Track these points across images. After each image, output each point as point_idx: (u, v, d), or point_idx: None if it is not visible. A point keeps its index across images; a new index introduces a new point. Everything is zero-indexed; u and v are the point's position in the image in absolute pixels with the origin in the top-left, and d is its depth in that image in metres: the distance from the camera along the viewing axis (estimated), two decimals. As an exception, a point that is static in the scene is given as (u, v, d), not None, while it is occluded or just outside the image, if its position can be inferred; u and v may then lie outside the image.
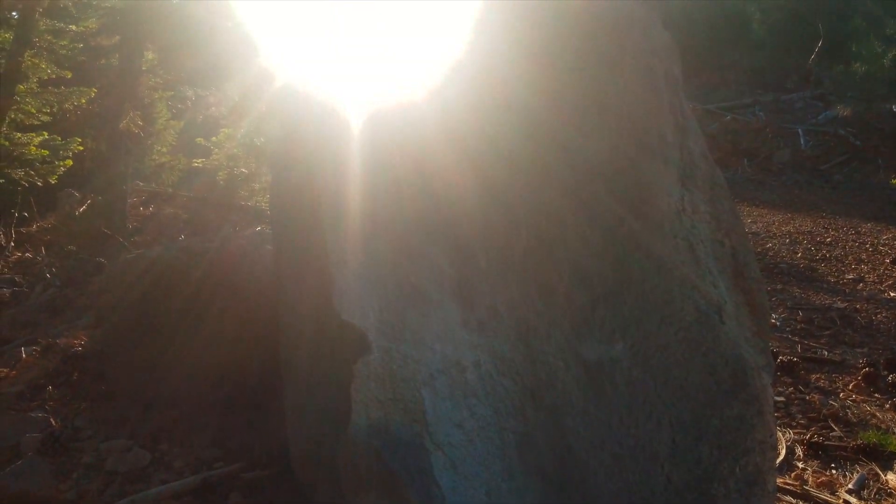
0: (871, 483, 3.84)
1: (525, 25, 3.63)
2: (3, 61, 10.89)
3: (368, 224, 3.04)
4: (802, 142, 18.48)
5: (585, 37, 3.90)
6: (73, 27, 10.14)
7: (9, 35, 10.50)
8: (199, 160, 12.25)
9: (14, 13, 10.99)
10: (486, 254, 3.12)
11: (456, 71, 2.92)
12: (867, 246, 9.19)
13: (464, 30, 3.00)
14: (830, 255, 8.79)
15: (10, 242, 8.86)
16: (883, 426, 4.52)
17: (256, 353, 3.94)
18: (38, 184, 10.06)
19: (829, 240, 9.69)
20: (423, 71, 2.86)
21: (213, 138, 12.27)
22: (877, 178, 14.94)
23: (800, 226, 10.71)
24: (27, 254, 8.54)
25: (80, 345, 5.00)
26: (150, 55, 10.65)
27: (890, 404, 4.88)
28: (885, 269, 8.02)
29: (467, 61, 2.98)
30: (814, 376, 5.32)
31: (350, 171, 2.99)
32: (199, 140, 12.47)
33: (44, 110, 11.08)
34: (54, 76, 11.00)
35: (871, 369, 5.36)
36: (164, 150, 15.87)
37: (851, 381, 5.23)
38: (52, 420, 4.07)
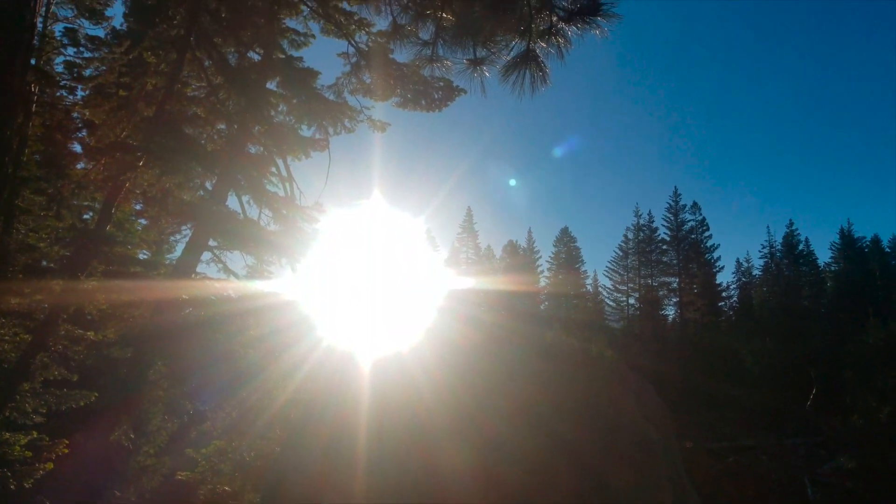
0: None
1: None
2: (13, 356, 11.10)
3: None
4: (810, 492, 17.78)
5: (580, 391, 3.97)
6: (91, 335, 10.57)
7: (28, 337, 10.86)
8: (184, 473, 11.81)
9: (42, 315, 11.52)
10: None
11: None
12: None
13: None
14: None
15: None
16: None
17: None
18: (12, 486, 9.56)
19: None
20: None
21: (203, 450, 11.98)
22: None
23: None
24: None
25: None
26: (159, 366, 10.93)
27: None
28: None
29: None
30: None
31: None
32: (189, 451, 12.18)
33: (40, 410, 10.99)
34: (60, 378, 11.13)
35: None
36: (152, 451, 15.41)
37: None
38: None
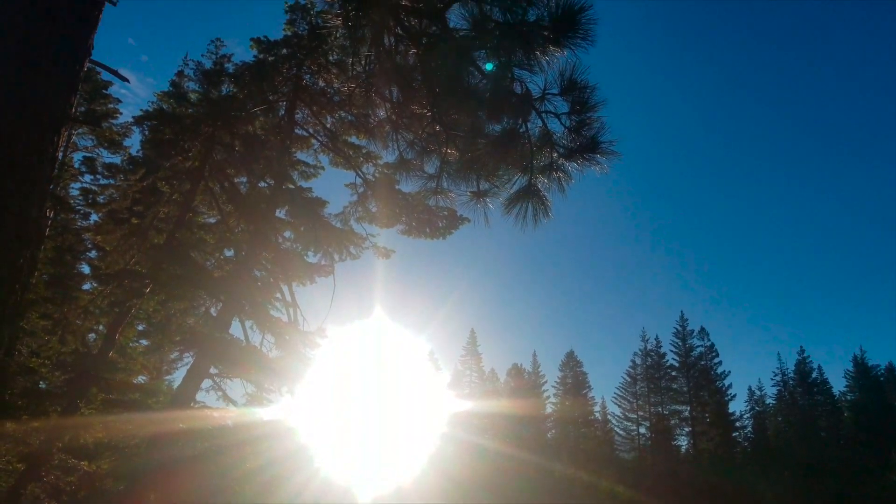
0: None
1: None
2: (3, 485, 10.67)
3: None
4: None
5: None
6: (85, 465, 10.18)
7: (21, 465, 10.49)
8: None
9: (38, 441, 11.17)
10: None
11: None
12: None
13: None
14: None
15: None
16: None
17: None
18: None
19: None
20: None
21: None
22: None
23: None
24: None
25: None
26: (152, 501, 10.44)
27: None
28: None
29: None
30: None
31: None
32: None
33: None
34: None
35: None
36: None
37: None
38: None
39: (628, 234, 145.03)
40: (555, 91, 5.71)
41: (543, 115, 5.91)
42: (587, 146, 5.89)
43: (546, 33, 5.33)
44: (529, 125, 6.04)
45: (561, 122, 5.91)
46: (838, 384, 70.01)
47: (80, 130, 20.74)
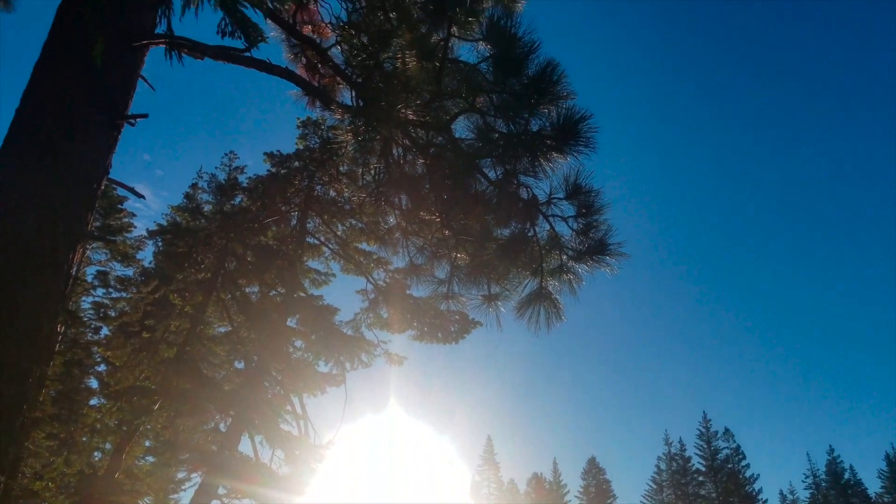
0: None
1: None
2: None
3: None
4: None
5: None
6: None
7: None
8: None
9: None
10: None
11: None
12: None
13: None
14: None
15: None
16: None
17: None
18: None
19: None
20: None
21: None
22: None
23: None
24: None
25: None
26: None
27: None
28: None
29: None
30: None
31: None
32: None
33: None
34: None
35: None
36: None
37: None
38: None
39: (645, 331, 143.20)
40: (560, 195, 5.79)
41: (551, 218, 5.98)
42: (596, 248, 5.92)
43: (549, 142, 5.47)
44: (537, 229, 6.10)
45: (568, 226, 5.97)
46: (872, 484, 66.60)
47: (94, 245, 21.18)
